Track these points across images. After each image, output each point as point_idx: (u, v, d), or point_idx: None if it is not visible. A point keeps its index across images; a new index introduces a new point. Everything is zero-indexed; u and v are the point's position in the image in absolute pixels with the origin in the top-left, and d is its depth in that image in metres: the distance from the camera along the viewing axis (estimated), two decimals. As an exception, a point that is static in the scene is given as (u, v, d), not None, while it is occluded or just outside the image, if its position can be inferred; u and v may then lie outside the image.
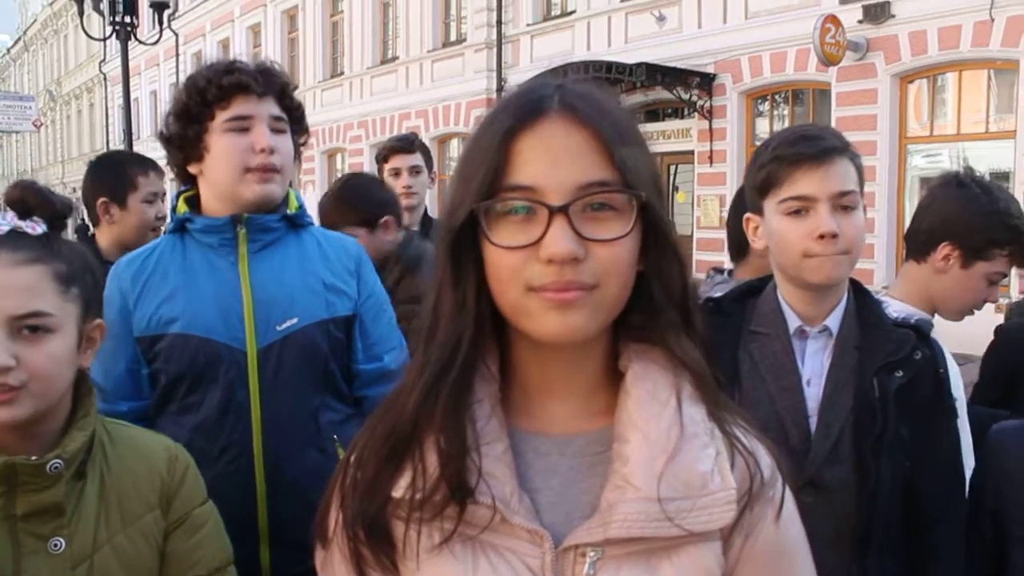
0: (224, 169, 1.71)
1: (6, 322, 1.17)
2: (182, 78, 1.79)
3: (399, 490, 0.85)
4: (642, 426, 0.85)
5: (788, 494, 0.92)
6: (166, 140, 1.77)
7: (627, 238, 0.82)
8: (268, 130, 1.71)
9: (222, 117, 1.70)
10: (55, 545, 1.21)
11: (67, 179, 39.97)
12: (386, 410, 0.90)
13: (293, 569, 1.58)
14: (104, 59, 31.13)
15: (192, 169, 1.77)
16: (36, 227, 1.25)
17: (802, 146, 1.51)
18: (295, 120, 1.80)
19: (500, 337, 0.89)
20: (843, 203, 1.50)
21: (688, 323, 0.88)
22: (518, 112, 0.83)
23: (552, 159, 0.81)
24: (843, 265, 1.51)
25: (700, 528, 0.82)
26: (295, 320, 1.73)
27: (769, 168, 1.54)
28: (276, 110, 1.74)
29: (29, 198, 1.27)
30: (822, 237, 1.47)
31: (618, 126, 0.84)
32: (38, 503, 1.20)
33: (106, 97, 33.42)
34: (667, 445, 0.83)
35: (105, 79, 32.98)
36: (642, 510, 0.81)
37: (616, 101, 0.89)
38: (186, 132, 1.72)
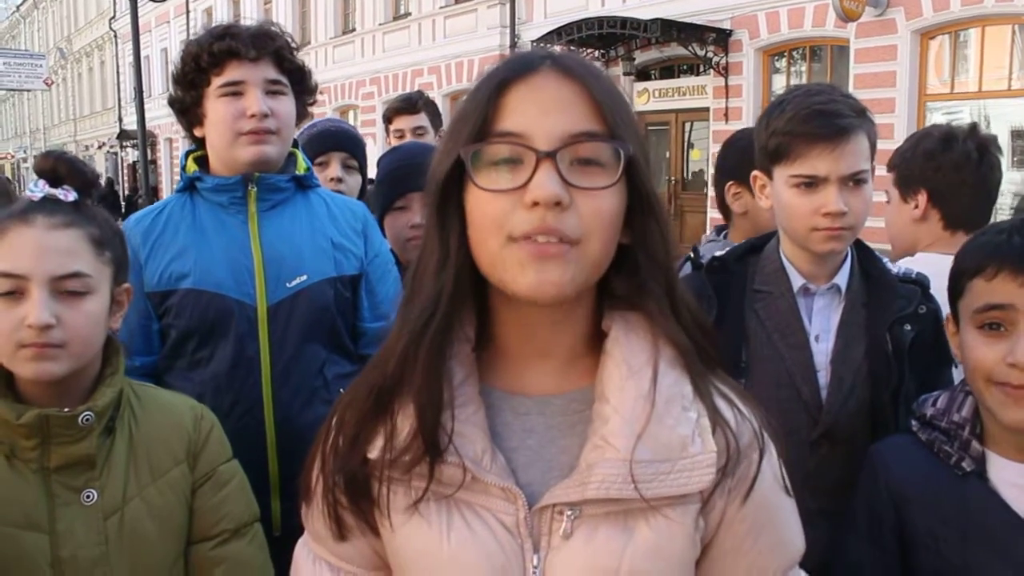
0: (218, 133, 1.75)
1: (48, 282, 1.22)
2: (193, 35, 1.82)
3: (375, 450, 0.86)
4: (623, 387, 0.85)
5: (775, 458, 0.92)
6: (171, 104, 1.82)
7: (611, 191, 0.82)
8: (261, 94, 1.73)
9: (216, 83, 1.74)
10: (87, 496, 1.27)
11: (79, 137, 40.04)
12: (371, 369, 0.90)
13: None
14: (114, 16, 30.97)
15: (198, 133, 1.82)
16: (68, 195, 1.31)
17: (817, 124, 1.48)
18: (296, 82, 1.82)
19: (479, 300, 0.89)
20: (854, 179, 1.49)
21: (671, 290, 0.88)
22: (511, 67, 0.84)
23: (542, 108, 0.82)
24: (847, 238, 1.53)
25: (678, 491, 0.83)
26: (305, 277, 1.76)
27: (781, 139, 1.53)
28: (272, 73, 1.76)
29: (60, 167, 1.33)
30: (829, 214, 1.48)
31: (607, 87, 0.85)
32: (70, 455, 1.25)
33: (117, 55, 33.26)
34: (647, 407, 0.83)
35: (116, 36, 32.84)
36: (621, 471, 0.81)
37: (606, 73, 0.90)
38: (185, 98, 1.78)
